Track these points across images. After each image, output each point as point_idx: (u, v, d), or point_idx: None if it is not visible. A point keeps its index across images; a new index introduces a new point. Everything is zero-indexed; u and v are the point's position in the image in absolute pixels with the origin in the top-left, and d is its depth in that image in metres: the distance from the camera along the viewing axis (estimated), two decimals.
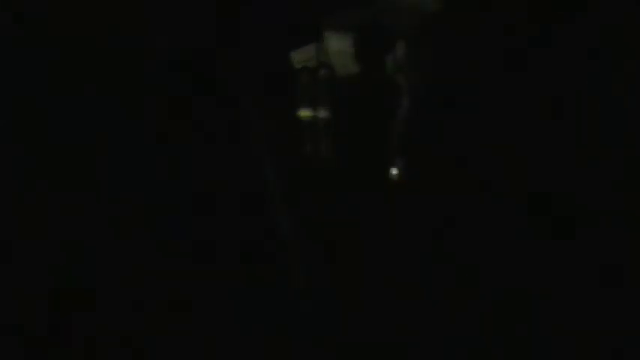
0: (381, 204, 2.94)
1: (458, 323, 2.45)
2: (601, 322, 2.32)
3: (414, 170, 2.92)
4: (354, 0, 2.96)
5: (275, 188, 2.46)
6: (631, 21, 2.43)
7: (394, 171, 2.97)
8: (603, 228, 2.39)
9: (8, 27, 2.19)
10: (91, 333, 2.21)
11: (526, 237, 2.48)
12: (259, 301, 2.35)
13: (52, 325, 2.17)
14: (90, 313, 2.21)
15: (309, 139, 3.16)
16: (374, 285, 2.58)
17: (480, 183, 2.60)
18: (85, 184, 2.27)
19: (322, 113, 3.16)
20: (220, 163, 2.41)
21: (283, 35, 2.68)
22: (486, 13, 2.59)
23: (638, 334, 2.30)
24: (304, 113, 3.17)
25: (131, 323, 2.24)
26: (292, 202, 2.51)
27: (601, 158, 2.46)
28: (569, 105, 2.48)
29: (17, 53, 2.19)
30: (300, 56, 2.99)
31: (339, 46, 3.09)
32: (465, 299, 2.47)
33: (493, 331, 2.41)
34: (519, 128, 2.53)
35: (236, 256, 2.38)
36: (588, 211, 2.45)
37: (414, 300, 2.52)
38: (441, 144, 2.73)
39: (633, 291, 2.34)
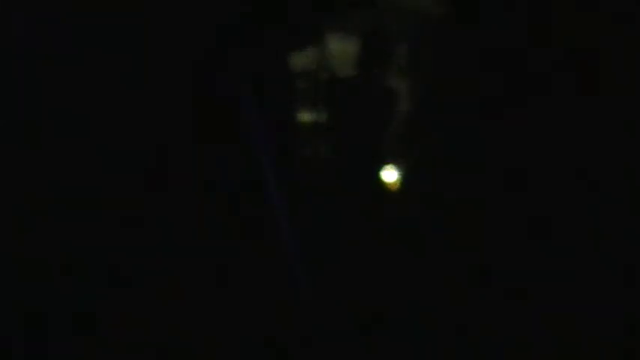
0: (380, 205, 2.95)
1: (459, 325, 2.45)
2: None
3: (414, 171, 2.92)
4: (354, 1, 2.96)
5: (275, 189, 2.46)
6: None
7: (394, 173, 2.97)
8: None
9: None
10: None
11: (526, 237, 2.48)
12: (259, 301, 2.35)
13: None
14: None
15: (308, 140, 3.16)
16: (373, 285, 2.58)
17: (479, 183, 2.60)
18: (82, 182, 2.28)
19: (322, 115, 3.16)
20: (220, 164, 2.41)
21: (283, 36, 2.68)
22: (486, 14, 2.60)
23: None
24: (304, 115, 3.17)
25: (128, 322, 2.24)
26: (292, 203, 2.51)
27: (602, 159, 2.47)
28: (570, 105, 2.48)
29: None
30: (301, 58, 3.00)
31: (339, 47, 3.09)
32: (465, 299, 2.47)
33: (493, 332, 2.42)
34: (520, 128, 2.53)
35: (235, 256, 2.38)
36: (588, 212, 2.46)
37: (414, 299, 2.52)
38: (441, 145, 2.73)
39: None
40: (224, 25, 2.46)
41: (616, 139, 2.47)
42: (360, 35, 3.02)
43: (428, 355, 2.41)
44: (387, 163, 2.95)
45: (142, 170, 2.34)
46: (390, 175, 2.90)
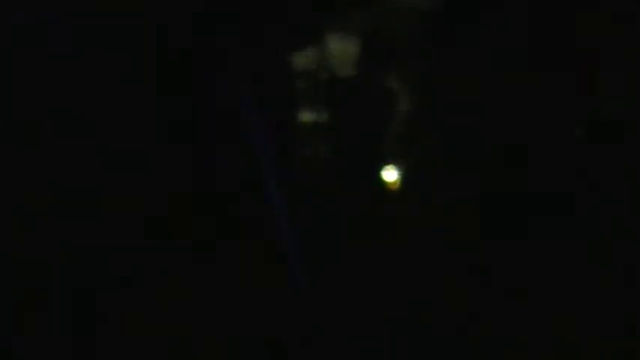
0: (380, 205, 2.94)
1: (459, 325, 2.45)
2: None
3: (414, 171, 2.92)
4: (354, 1, 2.96)
5: (275, 189, 2.46)
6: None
7: (394, 173, 2.97)
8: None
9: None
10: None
11: (527, 237, 2.48)
12: (259, 301, 2.35)
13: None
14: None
15: (308, 140, 3.16)
16: (373, 285, 2.58)
17: (479, 183, 2.60)
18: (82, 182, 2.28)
19: (322, 115, 3.16)
20: (220, 164, 2.41)
21: (283, 36, 2.68)
22: (486, 14, 2.60)
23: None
24: (304, 115, 3.17)
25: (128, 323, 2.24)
26: (292, 203, 2.50)
27: (602, 159, 2.47)
28: (570, 105, 2.48)
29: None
30: (301, 57, 2.99)
31: (339, 47, 3.09)
32: (465, 299, 2.47)
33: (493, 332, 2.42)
34: (520, 128, 2.53)
35: (236, 256, 2.38)
36: (588, 212, 2.46)
37: (413, 299, 2.52)
38: (441, 145, 2.73)
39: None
40: (224, 25, 2.46)
41: (616, 139, 2.47)
42: (360, 35, 3.02)
43: (428, 355, 2.41)
44: (387, 163, 2.95)
45: (142, 171, 2.34)
46: (390, 175, 2.90)
